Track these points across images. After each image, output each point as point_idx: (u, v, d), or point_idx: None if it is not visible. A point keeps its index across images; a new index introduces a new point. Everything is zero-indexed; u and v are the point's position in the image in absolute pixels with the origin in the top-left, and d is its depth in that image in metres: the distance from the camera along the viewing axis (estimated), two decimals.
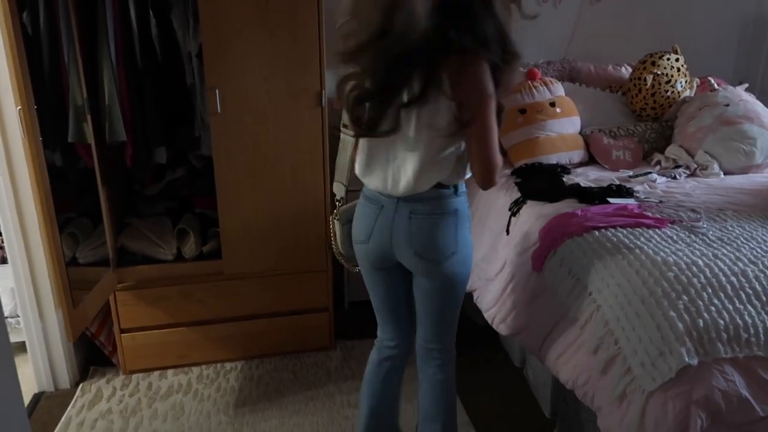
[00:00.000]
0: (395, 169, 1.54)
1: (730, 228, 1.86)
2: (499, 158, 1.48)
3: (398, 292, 1.74)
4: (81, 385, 2.44)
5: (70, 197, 2.57)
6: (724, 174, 2.48)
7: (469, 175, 1.57)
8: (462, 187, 1.59)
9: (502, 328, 2.06)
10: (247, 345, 2.60)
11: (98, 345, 2.55)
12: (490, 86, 1.41)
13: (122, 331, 2.47)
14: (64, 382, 2.43)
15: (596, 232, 1.85)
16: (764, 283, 1.54)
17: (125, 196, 2.75)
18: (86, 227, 2.54)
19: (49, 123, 2.23)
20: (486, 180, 1.49)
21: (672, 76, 2.79)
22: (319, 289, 2.61)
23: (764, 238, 1.79)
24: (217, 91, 2.25)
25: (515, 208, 2.22)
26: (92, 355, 2.61)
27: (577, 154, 2.66)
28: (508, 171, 2.56)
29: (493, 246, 2.26)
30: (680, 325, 1.43)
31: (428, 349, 1.74)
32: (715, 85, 2.78)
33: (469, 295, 2.39)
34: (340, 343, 2.70)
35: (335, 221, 1.80)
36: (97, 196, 2.34)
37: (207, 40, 2.21)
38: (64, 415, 2.25)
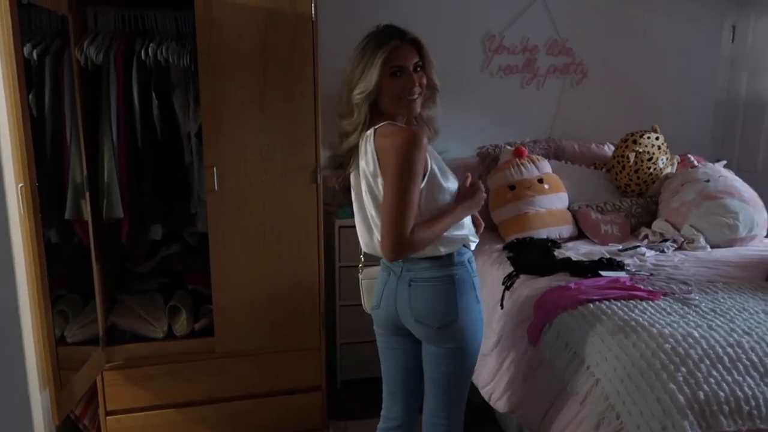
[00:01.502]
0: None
1: (721, 299, 1.89)
2: (396, 232, 1.45)
3: (409, 361, 1.74)
4: None
5: (62, 274, 2.56)
6: (711, 247, 2.54)
7: (460, 243, 1.61)
8: (460, 256, 1.62)
9: (499, 405, 2.03)
10: (238, 426, 2.51)
11: (81, 428, 2.45)
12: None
13: (108, 413, 2.38)
14: None
15: (591, 305, 1.87)
16: (760, 353, 1.55)
17: (118, 273, 2.74)
18: (77, 304, 2.50)
19: (47, 199, 2.26)
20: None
21: (653, 153, 2.91)
22: (312, 367, 2.56)
23: (756, 309, 1.81)
24: (215, 169, 2.30)
25: (509, 281, 2.24)
26: None
27: (567, 229, 2.71)
28: (500, 245, 2.60)
29: (488, 320, 2.25)
30: (681, 398, 1.42)
31: (434, 424, 1.71)
32: (695, 162, 2.90)
33: None
34: (332, 423, 2.62)
35: (359, 275, 1.87)
36: (90, 272, 2.33)
37: (207, 120, 2.28)
38: None
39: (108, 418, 2.38)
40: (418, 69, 1.56)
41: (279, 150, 2.33)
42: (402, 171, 1.46)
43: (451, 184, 1.62)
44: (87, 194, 2.24)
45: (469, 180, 1.67)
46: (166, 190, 2.53)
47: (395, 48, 1.50)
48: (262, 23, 2.23)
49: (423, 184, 1.52)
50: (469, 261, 1.64)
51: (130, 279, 2.76)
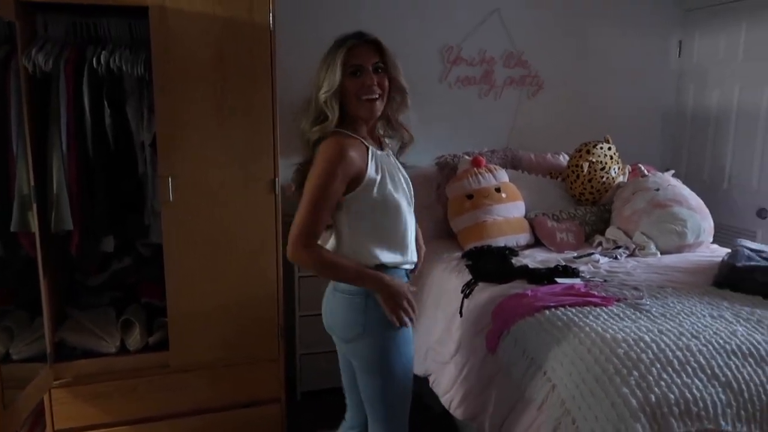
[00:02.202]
0: None
1: (671, 304, 1.95)
2: (297, 230, 1.49)
3: (349, 369, 1.77)
4: None
5: (8, 288, 2.46)
6: (661, 253, 2.62)
7: (378, 261, 1.59)
8: (379, 271, 1.60)
9: (459, 413, 2.04)
10: None
11: None
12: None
13: None
14: None
15: (547, 312, 1.90)
16: (707, 356, 1.61)
17: (67, 286, 2.64)
18: (23, 320, 2.41)
19: None
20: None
21: (606, 163, 2.99)
22: (271, 379, 2.52)
23: (703, 312, 1.88)
24: (170, 179, 2.26)
25: (467, 289, 2.26)
26: None
27: (524, 237, 2.76)
28: (458, 254, 2.62)
29: (447, 328, 2.27)
30: (633, 401, 1.45)
31: None
32: (645, 172, 2.99)
33: (425, 380, 2.37)
34: None
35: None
36: (38, 286, 2.24)
37: (162, 129, 2.24)
38: None
39: None
40: (379, 70, 1.57)
41: (236, 160, 2.30)
42: (316, 185, 1.50)
43: (400, 196, 1.62)
44: (34, 206, 2.16)
45: (409, 295, 1.61)
46: (119, 200, 2.47)
47: (353, 46, 1.52)
48: (219, 33, 2.21)
49: (358, 189, 1.55)
50: (404, 272, 1.66)
51: (81, 293, 2.67)
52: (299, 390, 2.91)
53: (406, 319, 1.59)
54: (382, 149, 1.70)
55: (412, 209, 1.72)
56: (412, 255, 1.70)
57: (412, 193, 1.74)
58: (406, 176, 1.73)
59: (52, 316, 2.30)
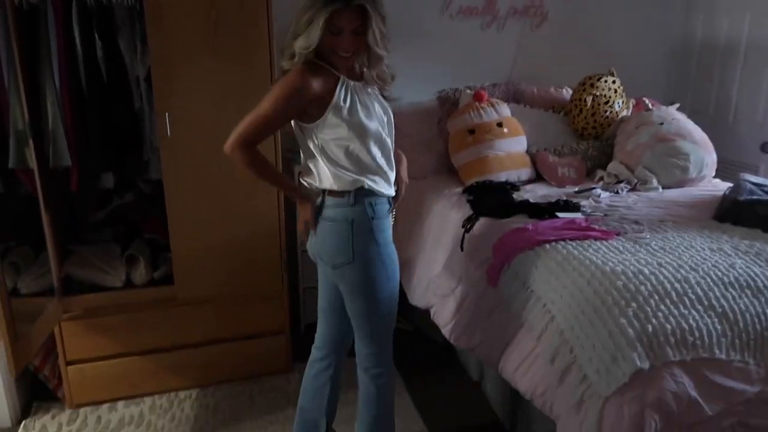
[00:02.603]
0: None
1: (671, 238, 1.97)
2: (239, 133, 1.59)
3: (331, 291, 1.84)
4: (23, 423, 2.31)
5: (10, 224, 2.47)
6: (663, 188, 2.61)
7: (357, 185, 1.65)
8: (359, 199, 1.66)
9: (460, 343, 2.09)
10: (202, 372, 2.53)
11: (42, 379, 2.43)
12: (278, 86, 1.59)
13: (68, 363, 2.36)
14: (5, 420, 2.30)
15: (547, 246, 1.92)
16: (705, 288, 1.63)
17: (69, 223, 2.65)
18: (28, 256, 2.43)
19: None
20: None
21: (610, 97, 2.93)
22: (274, 312, 2.57)
23: (702, 246, 1.89)
24: (166, 114, 2.22)
25: (468, 224, 2.27)
26: (35, 390, 2.47)
27: (525, 172, 2.75)
28: (459, 189, 2.62)
29: (448, 263, 2.30)
30: (631, 332, 1.49)
31: (363, 354, 1.82)
32: (650, 105, 2.94)
33: (427, 313, 2.42)
34: (297, 366, 2.65)
35: None
36: (40, 223, 2.24)
37: (156, 64, 2.18)
38: None
39: (69, 367, 2.36)
40: (359, 32, 1.57)
41: (232, 95, 2.26)
42: (268, 100, 1.57)
43: (372, 124, 1.65)
44: (31, 141, 2.13)
45: (300, 225, 1.75)
46: (116, 136, 2.44)
47: (338, 11, 1.52)
48: None
49: (325, 115, 1.59)
50: (371, 204, 1.67)
51: (83, 229, 2.69)
52: (303, 323, 2.98)
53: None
54: (362, 80, 1.70)
55: (390, 141, 1.74)
56: (390, 183, 1.74)
57: (391, 124, 1.76)
58: (387, 108, 1.74)
59: (57, 252, 2.32)
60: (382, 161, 1.69)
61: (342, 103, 1.60)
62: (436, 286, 2.32)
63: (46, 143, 2.18)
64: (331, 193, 1.66)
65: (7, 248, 2.43)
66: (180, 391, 2.50)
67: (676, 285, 1.63)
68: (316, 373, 1.93)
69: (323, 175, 1.66)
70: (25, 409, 2.39)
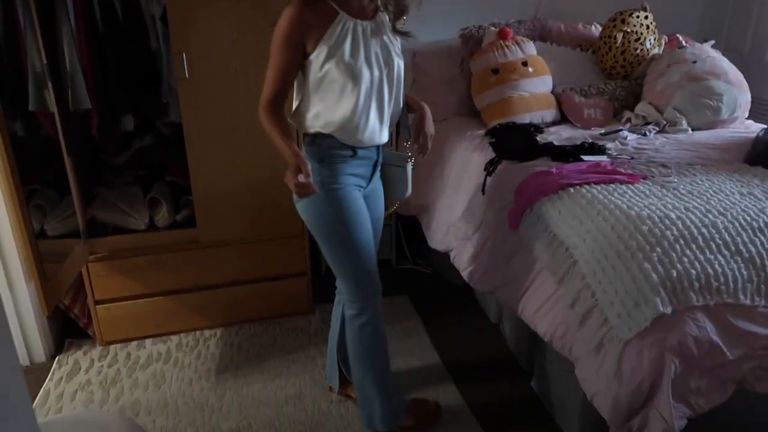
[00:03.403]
0: None
1: (699, 182, 1.91)
2: (265, 94, 1.59)
3: None
4: (57, 358, 2.40)
5: (33, 168, 2.49)
6: (692, 130, 2.53)
7: (314, 128, 1.63)
8: (313, 139, 1.66)
9: (479, 286, 2.10)
10: (226, 312, 2.59)
11: (73, 317, 2.51)
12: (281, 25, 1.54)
13: (97, 302, 2.43)
14: (40, 355, 2.40)
15: (571, 189, 1.88)
16: (732, 233, 1.60)
17: (91, 166, 2.67)
18: (52, 199, 2.47)
19: (8, 91, 2.14)
20: None
21: (641, 33, 2.81)
22: (295, 254, 2.60)
23: (732, 190, 1.84)
24: (184, 55, 2.18)
25: (490, 167, 2.23)
26: (67, 328, 2.57)
27: (550, 114, 2.67)
28: (482, 131, 2.57)
29: (469, 206, 2.28)
30: (654, 277, 1.47)
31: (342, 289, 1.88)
32: (683, 42, 2.81)
33: (446, 256, 2.43)
34: (318, 307, 2.71)
35: None
36: (62, 166, 2.26)
37: (171, 2, 2.12)
38: (42, 389, 2.23)
39: (97, 307, 2.43)
40: None
41: (250, 34, 2.20)
42: (271, 55, 1.56)
43: (366, 71, 1.56)
44: (49, 84, 2.12)
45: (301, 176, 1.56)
46: (134, 78, 2.41)
47: None
48: None
49: (315, 52, 1.54)
50: (328, 147, 1.64)
51: (105, 172, 2.71)
52: (324, 264, 3.02)
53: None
54: (373, 19, 1.62)
55: (391, 93, 1.66)
56: (370, 135, 1.65)
57: (398, 76, 1.67)
58: (394, 55, 1.64)
59: (81, 195, 2.34)
60: (366, 112, 1.61)
61: (335, 41, 1.53)
62: (457, 230, 2.31)
63: (65, 86, 2.17)
64: (307, 130, 1.66)
65: (32, 191, 2.46)
66: (205, 330, 2.57)
67: (703, 230, 1.59)
68: (339, 306, 1.97)
69: (302, 112, 1.64)
70: (58, 346, 2.49)
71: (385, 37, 1.64)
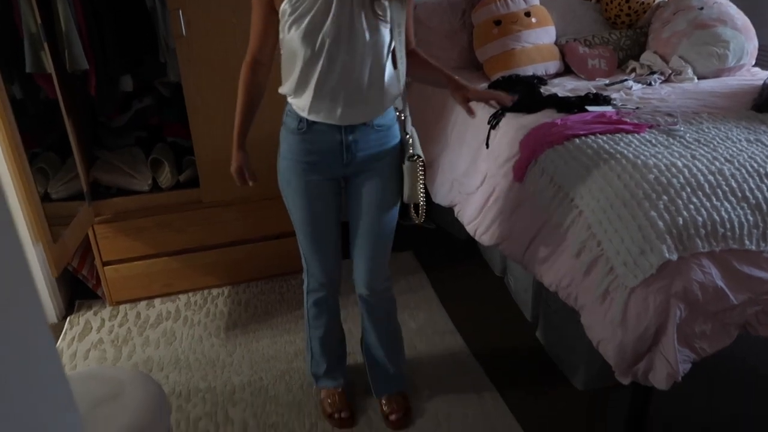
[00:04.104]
0: None
1: (706, 130, 1.90)
2: (248, 51, 1.61)
3: None
4: (68, 318, 2.44)
5: (33, 131, 2.47)
6: (698, 78, 2.50)
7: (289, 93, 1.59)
8: (289, 108, 1.63)
9: (484, 239, 2.11)
10: (232, 271, 2.62)
11: (81, 279, 2.54)
12: None
13: (104, 263, 2.45)
14: (51, 316, 2.43)
15: (576, 140, 1.87)
16: (739, 179, 1.59)
17: (92, 129, 2.65)
18: (54, 162, 2.46)
19: (4, 53, 2.11)
20: None
21: None
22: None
23: (739, 137, 1.83)
24: (180, 12, 2.13)
25: (494, 121, 2.21)
26: (76, 289, 2.59)
27: (553, 65, 2.64)
28: (485, 84, 2.53)
29: (473, 160, 2.27)
30: (660, 224, 1.48)
31: None
32: None
33: (450, 211, 2.43)
34: None
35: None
36: (63, 128, 2.24)
37: None
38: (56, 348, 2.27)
39: (105, 268, 2.45)
40: None
41: None
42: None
43: (293, 32, 1.46)
44: (45, 45, 2.08)
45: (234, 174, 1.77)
46: (131, 37, 2.37)
47: None
48: None
49: (280, 12, 1.48)
50: (286, 114, 1.63)
51: (106, 134, 2.69)
52: None
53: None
54: None
55: (365, 67, 1.50)
56: (318, 110, 1.54)
57: (376, 47, 1.49)
58: (376, 29, 1.48)
59: (83, 157, 2.34)
60: (317, 85, 1.50)
61: (298, 5, 1.43)
62: (461, 185, 2.31)
63: (61, 46, 2.13)
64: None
65: (34, 155, 2.45)
66: (213, 289, 2.60)
67: (710, 177, 1.59)
68: None
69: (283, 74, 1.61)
70: (69, 307, 2.52)
71: (366, 12, 1.46)
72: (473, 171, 2.26)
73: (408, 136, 1.68)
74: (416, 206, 1.73)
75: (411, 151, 1.65)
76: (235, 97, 2.32)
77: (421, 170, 1.65)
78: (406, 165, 1.67)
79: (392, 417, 1.88)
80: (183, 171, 2.52)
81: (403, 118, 1.70)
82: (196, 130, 2.34)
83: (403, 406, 1.91)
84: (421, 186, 1.67)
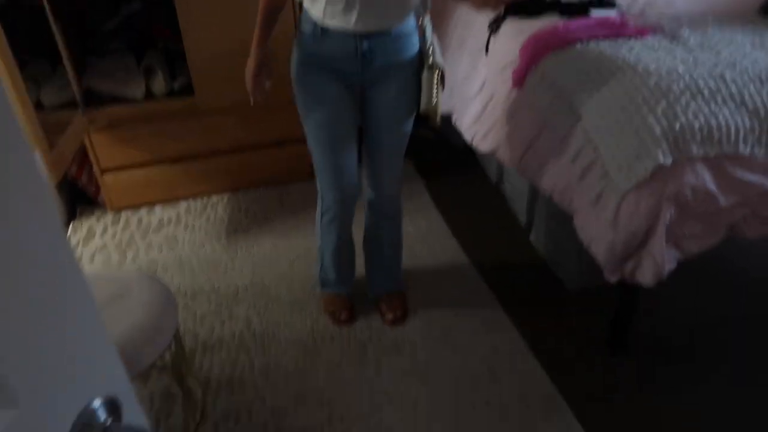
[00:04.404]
0: None
1: (711, 34, 1.86)
2: None
3: None
4: (72, 224, 2.48)
5: (21, 38, 2.40)
6: None
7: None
8: (305, 9, 1.57)
9: (482, 146, 2.11)
10: (232, 178, 2.64)
11: (81, 187, 2.55)
12: None
13: (103, 171, 2.46)
14: None
15: (578, 45, 1.83)
16: (740, 84, 1.58)
17: (82, 35, 2.57)
18: (45, 69, 2.40)
19: None
20: None
21: None
22: (297, 120, 2.57)
23: (744, 41, 1.79)
24: None
25: (495, 25, 2.15)
26: (77, 196, 2.62)
27: None
28: None
29: (473, 65, 2.23)
30: (657, 129, 1.48)
31: None
32: None
33: (447, 119, 2.42)
34: None
35: None
36: (51, 35, 2.18)
37: None
38: None
39: (104, 175, 2.47)
40: None
41: None
42: None
43: None
44: None
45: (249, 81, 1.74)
46: None
47: None
48: None
49: None
50: (314, 23, 1.54)
51: (96, 41, 2.61)
52: None
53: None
54: None
55: None
56: (333, 16, 1.50)
57: None
58: None
59: (74, 64, 2.28)
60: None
61: None
62: (460, 90, 2.28)
63: None
64: None
65: (23, 62, 2.39)
66: (212, 196, 2.63)
67: (710, 82, 1.58)
68: None
69: None
70: (71, 213, 2.56)
71: None
72: (473, 76, 2.23)
73: (428, 45, 1.65)
74: (427, 117, 1.73)
75: (431, 60, 1.63)
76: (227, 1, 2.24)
77: (440, 80, 1.64)
78: (425, 75, 1.64)
79: (389, 316, 1.97)
80: (176, 78, 2.47)
81: (423, 26, 1.66)
82: (187, 34, 2.27)
83: (401, 306, 2.00)
84: (439, 96, 1.66)
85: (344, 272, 2.00)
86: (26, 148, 0.49)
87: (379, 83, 1.63)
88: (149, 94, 2.43)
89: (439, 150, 2.92)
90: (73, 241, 2.39)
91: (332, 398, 1.72)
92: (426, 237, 2.35)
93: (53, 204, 0.52)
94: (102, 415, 0.58)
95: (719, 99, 1.55)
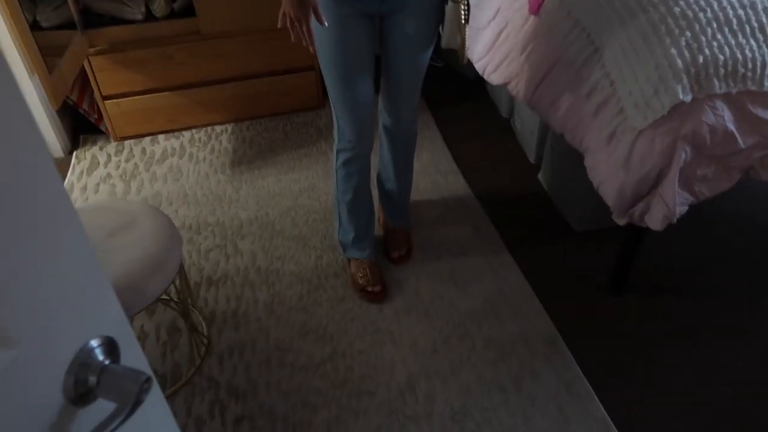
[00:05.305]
0: None
1: None
2: None
3: None
4: (75, 153, 2.46)
5: None
6: None
7: None
8: None
9: (493, 78, 2.03)
10: (236, 107, 2.58)
11: (83, 113, 2.51)
12: None
13: (104, 98, 2.41)
14: (57, 151, 2.45)
15: None
16: None
17: None
18: None
19: None
20: None
21: None
22: (303, 46, 2.49)
23: None
24: None
25: None
26: (79, 124, 2.58)
27: None
28: None
29: None
30: (679, 62, 1.41)
31: None
32: None
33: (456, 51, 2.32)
34: (327, 101, 2.67)
35: None
36: None
37: None
38: (66, 181, 2.31)
39: (106, 102, 2.42)
40: None
41: None
42: None
43: None
44: None
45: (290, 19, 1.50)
46: None
47: None
48: None
49: None
50: None
51: None
52: None
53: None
54: None
55: None
56: None
57: None
58: None
59: None
60: None
61: None
62: (472, 18, 2.17)
63: None
64: None
65: None
66: (216, 126, 2.59)
67: (740, 11, 1.48)
68: None
69: None
70: (74, 142, 2.53)
71: None
72: (486, 4, 2.11)
73: None
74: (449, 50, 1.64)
75: None
76: None
77: (464, 14, 1.54)
78: (449, 6, 1.55)
79: (394, 254, 1.97)
80: None
81: None
82: None
83: (406, 244, 1.99)
84: (464, 32, 1.57)
85: (363, 229, 1.89)
86: (7, 69, 0.45)
87: (399, 13, 1.54)
88: (150, 16, 2.34)
89: (448, 81, 2.83)
90: (78, 170, 2.37)
91: (335, 333, 1.74)
92: (432, 171, 2.32)
93: (40, 135, 0.48)
94: (100, 355, 0.57)
95: (747, 30, 1.45)
